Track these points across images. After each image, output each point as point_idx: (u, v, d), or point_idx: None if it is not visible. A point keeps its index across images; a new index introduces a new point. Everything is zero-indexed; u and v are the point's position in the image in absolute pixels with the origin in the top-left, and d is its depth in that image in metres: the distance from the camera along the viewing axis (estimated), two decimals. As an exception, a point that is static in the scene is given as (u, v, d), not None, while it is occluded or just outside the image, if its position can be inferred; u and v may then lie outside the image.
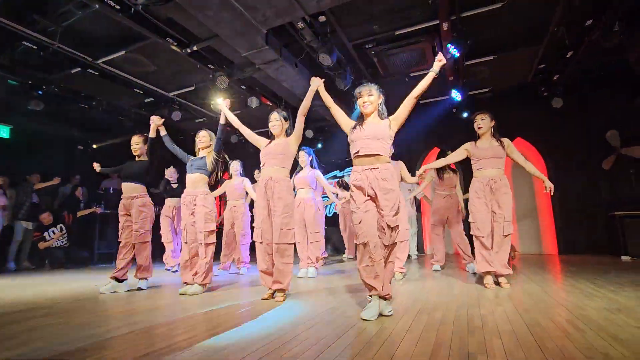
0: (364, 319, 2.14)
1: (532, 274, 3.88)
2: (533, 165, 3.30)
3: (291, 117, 3.09)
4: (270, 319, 2.24)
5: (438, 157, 4.04)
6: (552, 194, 3.16)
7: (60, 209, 6.81)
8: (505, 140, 3.26)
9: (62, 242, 6.49)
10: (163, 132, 3.59)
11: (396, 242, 2.32)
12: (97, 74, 5.19)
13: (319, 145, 8.11)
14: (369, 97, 2.38)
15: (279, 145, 2.93)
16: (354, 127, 2.43)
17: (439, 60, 2.35)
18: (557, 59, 5.18)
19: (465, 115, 6.26)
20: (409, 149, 7.03)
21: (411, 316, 2.20)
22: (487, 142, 3.29)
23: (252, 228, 3.69)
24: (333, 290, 3.26)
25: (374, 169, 2.29)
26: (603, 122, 5.91)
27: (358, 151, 2.33)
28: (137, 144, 3.64)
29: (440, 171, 4.41)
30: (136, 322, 2.23)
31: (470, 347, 1.61)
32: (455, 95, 5.63)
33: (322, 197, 6.04)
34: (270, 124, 2.99)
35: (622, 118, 5.83)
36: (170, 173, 5.40)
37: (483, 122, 3.29)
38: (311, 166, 4.50)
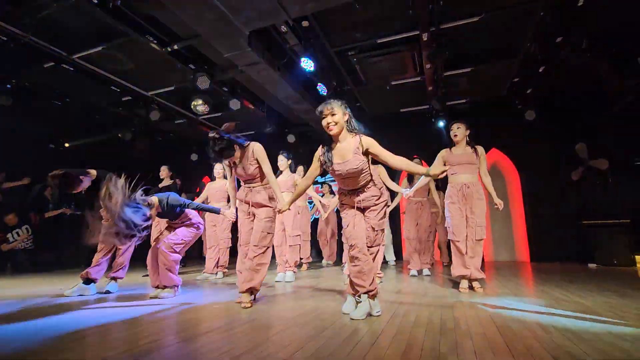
0: (353, 319, 2.16)
1: (505, 280, 3.97)
2: (490, 181, 3.37)
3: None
4: (244, 320, 2.18)
5: None
6: (500, 209, 3.24)
7: (27, 209, 6.47)
8: (479, 148, 3.37)
9: (28, 244, 6.16)
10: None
11: (380, 245, 2.43)
12: (71, 69, 5.00)
13: (301, 151, 8.10)
14: (332, 117, 2.21)
15: (248, 157, 2.81)
16: (326, 158, 2.29)
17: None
18: (530, 74, 5.40)
19: (441, 124, 6.39)
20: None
21: (385, 318, 2.20)
22: (461, 149, 3.39)
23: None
24: (310, 294, 3.22)
25: (360, 192, 2.35)
26: (572, 135, 6.18)
27: (344, 188, 2.39)
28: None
29: (411, 178, 4.54)
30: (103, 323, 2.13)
31: (441, 348, 1.62)
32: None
33: (308, 202, 6.01)
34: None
35: (590, 132, 6.12)
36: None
37: (459, 131, 3.38)
38: (290, 170, 4.48)
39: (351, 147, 2.25)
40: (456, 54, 4.89)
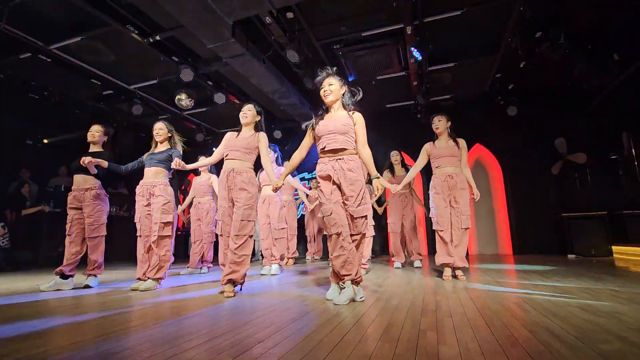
0: (336, 304, 2.16)
1: (487, 269, 4.04)
2: (470, 173, 3.45)
3: (263, 115, 3.03)
4: (227, 307, 2.16)
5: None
6: (476, 199, 3.38)
7: (2, 206, 6.24)
8: (461, 141, 3.45)
9: (3, 242, 5.94)
10: (104, 164, 3.29)
11: (364, 233, 2.37)
12: (49, 60, 4.85)
13: (287, 147, 8.07)
14: (329, 86, 2.42)
15: (246, 139, 2.85)
16: (319, 118, 2.45)
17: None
18: (511, 69, 5.52)
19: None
20: (374, 152, 7.18)
21: (368, 303, 2.21)
22: (444, 142, 3.48)
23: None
24: (295, 284, 3.21)
25: (339, 159, 2.35)
26: (552, 131, 6.35)
27: (324, 147, 2.38)
28: (97, 131, 3.48)
29: (392, 170, 4.59)
30: (79, 314, 2.06)
31: (422, 326, 1.63)
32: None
33: (295, 198, 5.97)
34: (241, 113, 2.89)
35: (568, 127, 6.30)
36: None
37: (440, 123, 3.47)
38: (276, 163, 4.45)
39: (343, 117, 2.40)
40: (440, 47, 4.96)
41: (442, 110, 3.70)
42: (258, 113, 2.94)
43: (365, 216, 2.34)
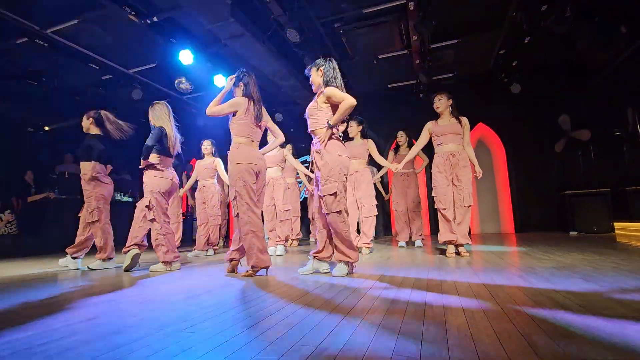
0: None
1: (490, 246, 4.09)
2: (472, 151, 3.45)
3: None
4: (234, 285, 2.21)
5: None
6: (478, 177, 3.37)
7: (8, 194, 6.29)
8: (464, 119, 3.44)
9: (11, 229, 6.03)
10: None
11: (338, 212, 2.40)
12: (46, 45, 4.78)
13: (291, 130, 8.03)
14: (311, 78, 2.68)
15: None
16: None
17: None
18: (515, 45, 5.41)
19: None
20: (377, 134, 7.16)
21: (374, 279, 2.25)
22: (446, 120, 3.47)
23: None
24: (300, 264, 3.27)
25: (314, 143, 2.61)
26: (555, 108, 6.28)
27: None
28: (83, 123, 3.60)
29: (396, 150, 4.62)
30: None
31: (428, 298, 1.67)
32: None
33: (299, 182, 6.00)
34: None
35: (572, 104, 6.23)
36: None
37: (440, 102, 3.46)
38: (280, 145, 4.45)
39: (314, 102, 2.62)
40: (442, 23, 4.85)
41: (443, 89, 3.67)
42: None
43: (334, 194, 2.40)
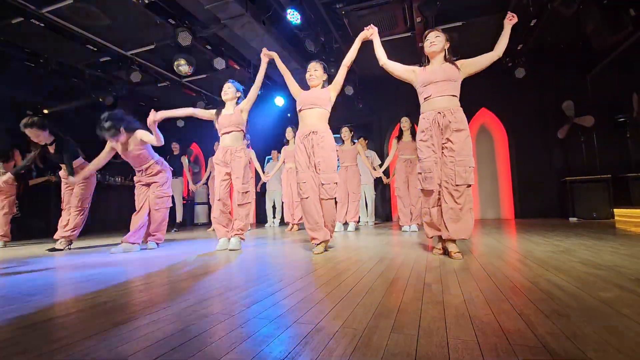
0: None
1: (490, 232, 4.11)
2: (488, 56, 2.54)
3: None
4: (238, 266, 2.23)
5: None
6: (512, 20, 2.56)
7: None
8: (460, 61, 2.48)
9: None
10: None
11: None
12: (42, 25, 4.69)
13: (289, 115, 7.99)
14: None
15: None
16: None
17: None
18: (521, 28, 5.29)
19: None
20: (380, 121, 7.11)
21: (373, 262, 2.27)
22: (437, 64, 2.48)
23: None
24: (301, 247, 3.30)
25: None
26: (559, 93, 6.20)
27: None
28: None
29: (399, 136, 4.60)
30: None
31: (426, 279, 1.69)
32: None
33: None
34: (307, 74, 2.98)
35: (577, 89, 6.14)
36: None
37: (437, 39, 2.47)
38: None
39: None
40: (447, 5, 4.73)
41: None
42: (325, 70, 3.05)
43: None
